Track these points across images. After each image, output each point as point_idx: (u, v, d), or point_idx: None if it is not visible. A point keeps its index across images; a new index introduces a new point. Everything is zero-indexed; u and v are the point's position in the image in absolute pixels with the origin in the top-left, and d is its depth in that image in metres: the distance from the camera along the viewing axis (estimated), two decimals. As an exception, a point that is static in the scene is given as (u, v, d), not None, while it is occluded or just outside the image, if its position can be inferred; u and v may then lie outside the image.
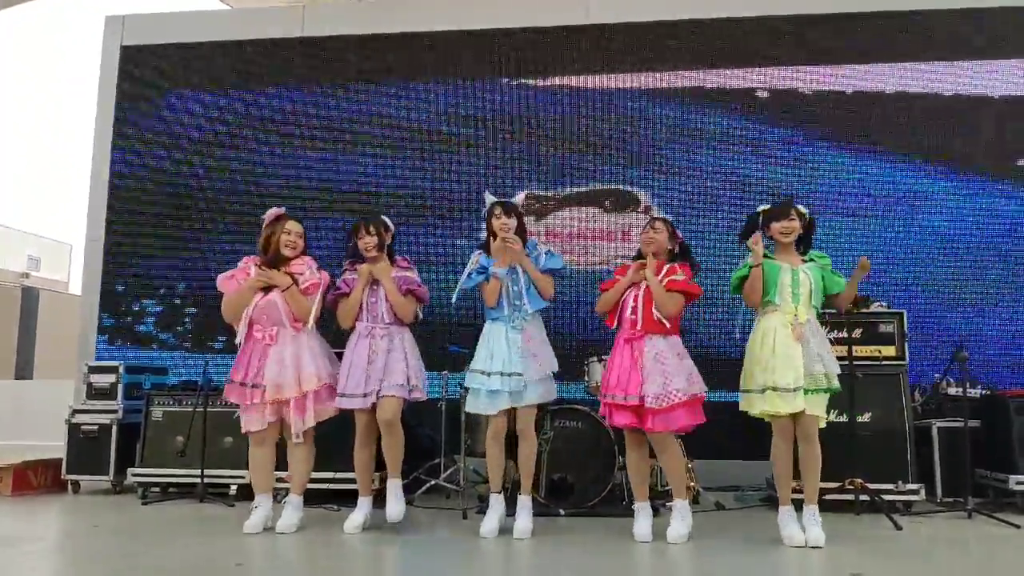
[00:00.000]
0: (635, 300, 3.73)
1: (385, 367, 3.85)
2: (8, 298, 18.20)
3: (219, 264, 4.29)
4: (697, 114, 5.96)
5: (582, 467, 4.44)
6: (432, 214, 6.08)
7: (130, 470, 5.11)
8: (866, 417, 4.49)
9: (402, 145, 6.21)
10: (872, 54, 5.88)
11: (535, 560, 3.49)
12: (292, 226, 3.99)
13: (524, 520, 3.77)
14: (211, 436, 4.88)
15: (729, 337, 5.43)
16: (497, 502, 3.85)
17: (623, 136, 6.02)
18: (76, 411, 5.36)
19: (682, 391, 3.59)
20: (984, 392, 4.83)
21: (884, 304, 4.92)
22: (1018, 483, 4.34)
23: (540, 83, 6.14)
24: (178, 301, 6.27)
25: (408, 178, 6.17)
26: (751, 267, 3.62)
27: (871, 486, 4.23)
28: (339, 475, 4.48)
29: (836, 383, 3.58)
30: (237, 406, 3.95)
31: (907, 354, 4.69)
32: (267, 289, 3.90)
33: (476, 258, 3.95)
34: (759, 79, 5.94)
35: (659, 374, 3.60)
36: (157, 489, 5.08)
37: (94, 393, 5.42)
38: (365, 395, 3.83)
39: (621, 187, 5.97)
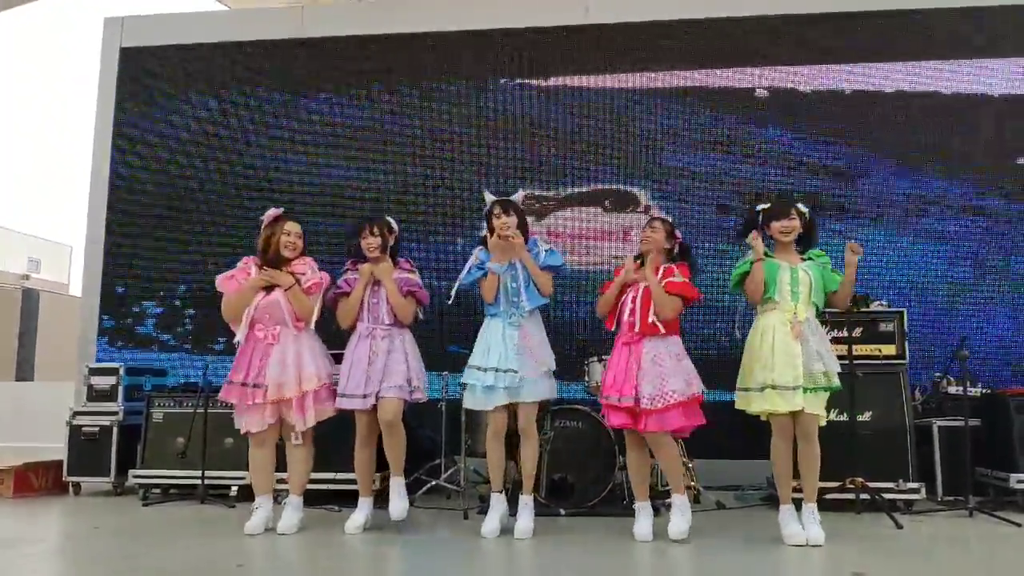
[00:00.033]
0: (633, 302, 3.73)
1: (385, 368, 3.86)
2: (8, 300, 18.21)
3: (219, 265, 4.29)
4: (697, 113, 5.96)
5: (582, 467, 4.44)
6: (432, 214, 6.08)
7: (131, 471, 5.12)
8: (866, 416, 4.49)
9: (402, 145, 6.21)
10: (871, 53, 5.88)
11: (536, 560, 3.49)
12: (291, 227, 3.99)
13: (526, 520, 3.77)
14: (212, 437, 4.88)
15: (729, 336, 5.42)
16: (498, 502, 3.86)
17: (623, 136, 6.01)
18: (77, 413, 5.37)
19: (678, 392, 3.58)
20: (984, 391, 4.83)
21: (884, 303, 4.93)
22: (1019, 481, 4.34)
23: (540, 83, 6.14)
24: (178, 303, 6.27)
25: (408, 178, 6.17)
26: (752, 262, 3.62)
27: (872, 485, 4.23)
28: (339, 476, 4.48)
29: (836, 381, 3.58)
30: (233, 407, 3.95)
31: (907, 353, 4.69)
32: (268, 289, 3.91)
33: (476, 254, 3.97)
34: (758, 79, 5.94)
35: (656, 375, 3.60)
36: (158, 490, 5.08)
37: (95, 395, 5.43)
38: (365, 396, 3.83)
39: (621, 187, 5.97)
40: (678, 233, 3.88)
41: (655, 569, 3.36)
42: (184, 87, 6.48)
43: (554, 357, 3.91)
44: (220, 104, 6.43)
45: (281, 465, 4.02)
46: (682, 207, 5.84)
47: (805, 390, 3.49)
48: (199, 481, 4.83)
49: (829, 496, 4.13)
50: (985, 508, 4.20)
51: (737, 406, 3.70)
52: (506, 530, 3.79)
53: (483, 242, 3.99)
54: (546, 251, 3.96)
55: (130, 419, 5.32)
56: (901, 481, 4.38)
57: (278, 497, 4.08)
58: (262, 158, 6.33)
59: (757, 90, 5.94)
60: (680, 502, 3.67)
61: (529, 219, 4.19)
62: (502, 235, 3.84)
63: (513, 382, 3.74)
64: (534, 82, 6.15)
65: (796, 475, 3.62)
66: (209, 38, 6.56)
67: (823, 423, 3.61)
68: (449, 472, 4.97)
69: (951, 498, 4.48)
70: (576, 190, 6.00)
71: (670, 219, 4.12)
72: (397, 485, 3.92)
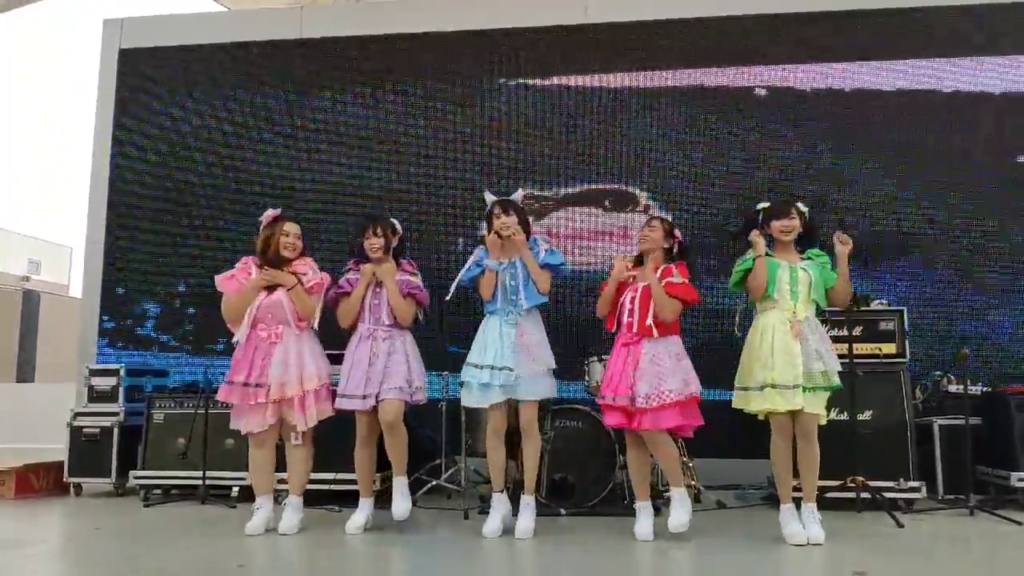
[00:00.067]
0: (631, 303, 3.73)
1: (386, 369, 3.86)
2: (9, 301, 18.23)
3: (219, 266, 4.30)
4: (696, 113, 5.96)
5: (583, 467, 4.44)
6: (431, 214, 6.07)
7: (132, 472, 5.12)
8: (867, 415, 4.49)
9: (401, 145, 6.21)
10: (871, 51, 5.87)
11: (536, 560, 3.49)
12: (290, 227, 4.00)
13: (527, 520, 3.77)
14: (212, 438, 4.88)
15: (730, 336, 5.41)
16: (500, 502, 3.86)
17: (623, 135, 6.01)
18: (77, 414, 5.37)
19: (674, 392, 3.58)
20: (985, 389, 4.83)
21: (884, 302, 4.93)
22: (1019, 480, 4.34)
23: (539, 83, 6.14)
24: (178, 303, 6.27)
25: (407, 178, 6.16)
26: (754, 259, 3.62)
27: (872, 484, 4.23)
28: (340, 476, 4.48)
29: (836, 380, 3.58)
30: (231, 407, 3.94)
31: (907, 351, 4.69)
32: (271, 288, 3.91)
33: (477, 253, 3.98)
34: (758, 77, 5.94)
35: (653, 375, 3.60)
36: (159, 491, 5.09)
37: (95, 396, 5.43)
38: (364, 397, 3.84)
39: (621, 187, 5.97)
40: (677, 232, 3.88)
41: (656, 569, 3.36)
42: (183, 88, 6.48)
43: (553, 357, 3.91)
44: (219, 105, 6.42)
45: (281, 466, 4.02)
46: (682, 206, 5.83)
47: (804, 389, 3.49)
48: (200, 482, 4.83)
49: (830, 495, 4.13)
50: (986, 506, 4.20)
51: (735, 405, 3.70)
52: (506, 530, 3.79)
53: (483, 241, 4.00)
54: (547, 251, 3.97)
55: (131, 420, 5.32)
56: (902, 480, 4.38)
57: (278, 498, 4.08)
58: (262, 159, 6.32)
59: (756, 89, 5.94)
60: (679, 495, 3.67)
61: (529, 219, 4.19)
62: (502, 235, 3.85)
63: (508, 380, 3.74)
64: (534, 82, 6.14)
65: (797, 474, 3.62)
66: (208, 39, 6.55)
67: (823, 422, 3.61)
68: (450, 472, 4.97)
69: (952, 497, 4.48)
70: (575, 190, 6.00)
71: (669, 218, 4.12)
72: (400, 486, 3.93)
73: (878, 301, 4.90)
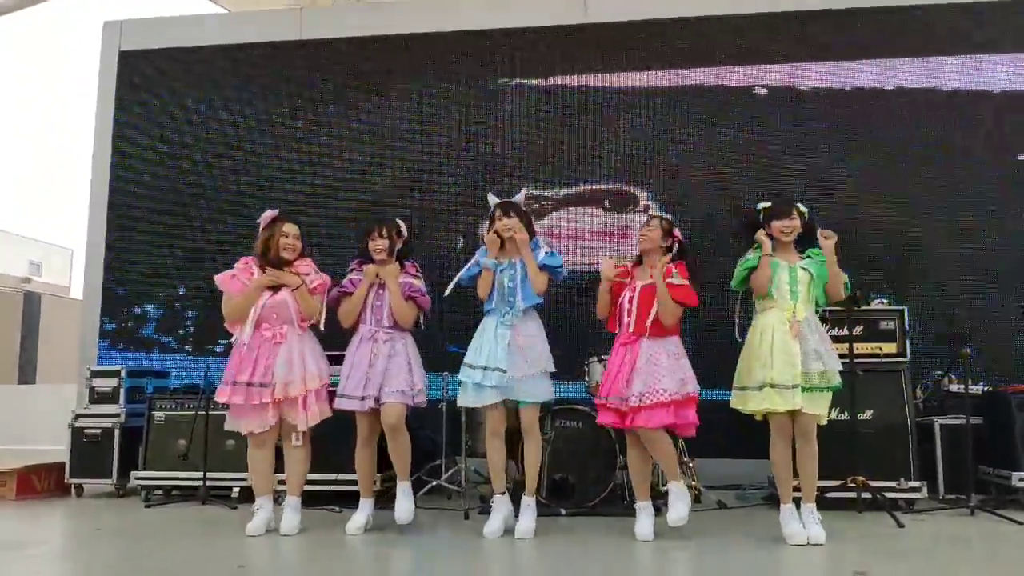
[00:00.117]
0: (630, 302, 3.73)
1: (387, 372, 3.86)
2: (10, 303, 18.26)
3: (219, 267, 4.29)
4: (696, 112, 5.95)
5: (583, 467, 4.43)
6: (431, 214, 6.07)
7: (133, 473, 5.13)
8: (867, 415, 4.48)
9: (402, 146, 6.21)
10: (871, 50, 5.87)
11: (537, 560, 3.49)
12: (289, 228, 4.00)
13: (527, 520, 3.77)
14: (213, 439, 4.88)
15: (729, 336, 5.41)
16: (502, 503, 3.85)
17: (622, 135, 6.01)
18: (79, 415, 5.38)
19: (669, 391, 3.58)
20: (986, 388, 4.83)
21: (885, 301, 4.92)
22: (1021, 480, 4.34)
23: (539, 83, 6.13)
24: (179, 305, 6.28)
25: (407, 178, 6.17)
26: (760, 257, 3.62)
27: (873, 484, 4.22)
28: (340, 477, 4.48)
29: (836, 381, 3.57)
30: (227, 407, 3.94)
31: (908, 351, 4.68)
32: (274, 288, 3.91)
33: (479, 252, 3.99)
34: (757, 76, 5.93)
35: (649, 374, 3.60)
36: (160, 492, 5.10)
37: (96, 397, 5.44)
38: (363, 398, 3.83)
39: (620, 186, 5.97)
40: (677, 232, 3.87)
41: (656, 569, 3.36)
42: (183, 90, 6.49)
43: (552, 359, 3.89)
44: (219, 107, 6.43)
45: (280, 466, 4.02)
46: (681, 206, 5.82)
47: (803, 389, 3.48)
48: (201, 483, 4.83)
49: (830, 495, 4.13)
50: (987, 506, 4.20)
51: (732, 405, 3.69)
52: (507, 530, 3.79)
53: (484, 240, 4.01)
54: (547, 252, 3.96)
55: (132, 421, 5.33)
56: (902, 480, 4.38)
57: (278, 498, 4.08)
58: (262, 160, 6.33)
59: (756, 88, 5.93)
60: (677, 488, 3.66)
61: (532, 219, 4.19)
62: (503, 236, 3.85)
63: (501, 381, 3.74)
64: (534, 82, 6.14)
65: (797, 474, 3.62)
66: (208, 41, 6.56)
67: (823, 422, 3.61)
68: (450, 472, 4.97)
69: (953, 496, 4.47)
70: (575, 190, 6.00)
71: (669, 217, 4.12)
72: (403, 488, 3.92)
73: (878, 300, 4.89)
